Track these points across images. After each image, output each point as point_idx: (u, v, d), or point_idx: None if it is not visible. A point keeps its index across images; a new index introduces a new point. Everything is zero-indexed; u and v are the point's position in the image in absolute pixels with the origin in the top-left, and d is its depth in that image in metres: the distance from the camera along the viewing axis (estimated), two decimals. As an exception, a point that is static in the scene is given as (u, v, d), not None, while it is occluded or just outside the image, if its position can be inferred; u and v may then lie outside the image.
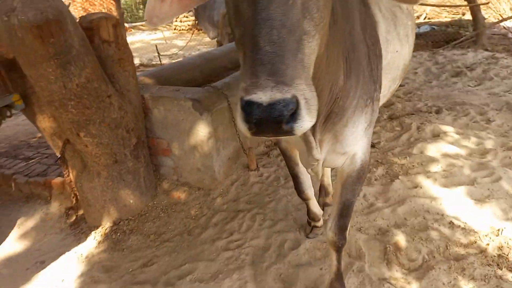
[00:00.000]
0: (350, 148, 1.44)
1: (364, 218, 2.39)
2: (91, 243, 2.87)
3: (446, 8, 8.91)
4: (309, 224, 2.36)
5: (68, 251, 2.83)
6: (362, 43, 1.35)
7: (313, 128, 1.28)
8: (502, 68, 5.16)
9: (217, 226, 2.70)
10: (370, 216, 2.39)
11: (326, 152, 1.43)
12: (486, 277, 1.84)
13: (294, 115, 0.76)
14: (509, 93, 4.19)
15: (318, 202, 2.61)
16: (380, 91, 1.48)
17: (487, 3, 6.90)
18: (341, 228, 1.67)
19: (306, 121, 0.78)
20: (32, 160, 4.08)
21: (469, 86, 4.67)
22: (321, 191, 2.64)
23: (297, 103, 0.76)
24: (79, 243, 2.91)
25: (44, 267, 2.71)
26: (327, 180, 2.63)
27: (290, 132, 0.77)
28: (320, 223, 2.30)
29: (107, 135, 2.61)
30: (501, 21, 6.78)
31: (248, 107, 0.75)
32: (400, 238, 2.14)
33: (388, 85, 1.76)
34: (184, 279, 2.24)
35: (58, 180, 3.42)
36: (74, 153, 2.89)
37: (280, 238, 2.36)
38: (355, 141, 1.42)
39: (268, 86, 0.74)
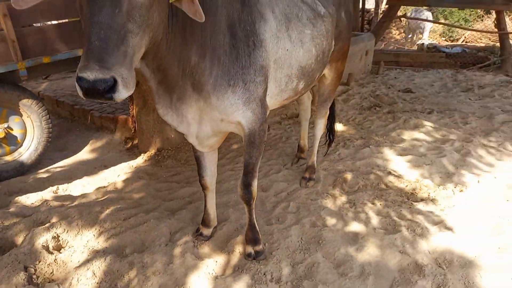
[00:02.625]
0: (226, 117, 1.79)
1: (331, 164, 3.31)
2: (140, 160, 4.02)
3: (486, 35, 9.34)
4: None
5: (123, 162, 4.00)
6: (224, 34, 1.67)
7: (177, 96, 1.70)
8: (510, 90, 5.72)
9: (234, 160, 3.72)
10: (336, 164, 3.31)
11: (203, 117, 1.81)
12: (395, 201, 2.71)
13: (113, 88, 1.14)
14: (498, 108, 4.84)
15: (295, 155, 3.45)
16: (259, 76, 1.79)
17: (515, 33, 7.37)
18: (245, 184, 2.00)
19: (123, 93, 1.16)
20: (105, 104, 5.35)
21: (469, 99, 5.33)
22: (298, 148, 3.45)
23: (114, 81, 1.13)
24: (131, 159, 4.07)
25: (107, 168, 3.88)
26: (303, 141, 3.41)
27: (111, 99, 1.15)
28: (208, 231, 2.36)
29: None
30: (527, 51, 7.21)
31: (80, 80, 1.13)
32: (349, 175, 3.04)
33: (284, 80, 2.06)
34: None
35: (123, 116, 4.63)
36: (139, 94, 4.04)
37: (269, 167, 3.35)
38: (231, 112, 1.77)
39: (94, 69, 1.10)
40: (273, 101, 2.14)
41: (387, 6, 8.02)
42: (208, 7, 1.53)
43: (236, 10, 1.71)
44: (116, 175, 3.68)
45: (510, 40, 7.46)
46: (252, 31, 1.78)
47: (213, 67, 1.65)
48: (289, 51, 1.99)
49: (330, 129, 3.23)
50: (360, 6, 8.16)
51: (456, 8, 10.90)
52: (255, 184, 2.05)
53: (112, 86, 1.13)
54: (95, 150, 4.41)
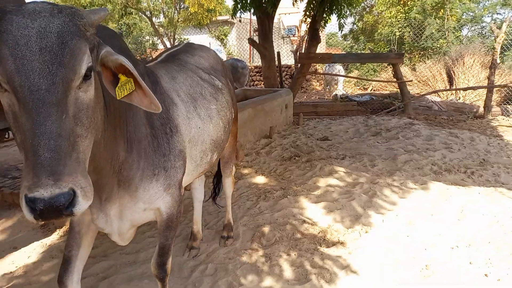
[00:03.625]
0: (149, 205, 1.75)
1: (251, 219, 3.39)
2: (55, 237, 3.77)
3: (392, 83, 10.56)
4: None
5: (36, 241, 3.72)
6: (145, 125, 1.67)
7: (104, 198, 1.58)
8: (412, 131, 6.42)
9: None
10: (255, 218, 3.39)
11: (125, 212, 1.70)
12: (308, 249, 2.83)
13: (72, 202, 0.99)
14: (401, 148, 5.38)
15: (187, 245, 2.96)
16: (178, 160, 1.82)
17: (411, 80, 8.44)
18: (160, 264, 1.98)
19: (83, 204, 1.02)
20: (18, 179, 5.03)
21: (377, 142, 5.87)
22: (191, 236, 3.04)
23: (74, 193, 0.99)
24: (46, 237, 3.80)
25: (16, 250, 3.58)
26: (196, 227, 3.03)
27: (71, 215, 1.00)
28: None
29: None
30: (422, 95, 8.26)
31: (32, 202, 0.95)
32: (267, 229, 3.13)
33: (200, 156, 2.12)
34: (116, 252, 3.15)
35: (36, 191, 4.36)
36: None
37: (190, 229, 3.33)
38: (154, 200, 1.74)
39: (48, 185, 0.95)
40: (189, 177, 2.17)
41: (299, 64, 8.79)
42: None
43: None
44: (26, 256, 3.40)
45: (408, 86, 8.49)
46: (168, 118, 1.83)
47: (140, 159, 1.64)
48: (201, 128, 2.08)
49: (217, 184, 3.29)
50: (277, 64, 8.84)
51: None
52: (169, 262, 2.03)
53: (71, 200, 1.00)
54: (5, 231, 4.06)
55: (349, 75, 12.77)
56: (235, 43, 20.20)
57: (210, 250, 2.93)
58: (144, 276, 2.65)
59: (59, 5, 1.14)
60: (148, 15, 19.45)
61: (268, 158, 5.31)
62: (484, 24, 18.65)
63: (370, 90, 11.91)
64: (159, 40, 20.74)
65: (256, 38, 8.86)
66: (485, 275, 2.51)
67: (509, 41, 10.13)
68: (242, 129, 5.72)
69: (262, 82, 12.19)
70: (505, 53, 11.69)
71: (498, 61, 8.28)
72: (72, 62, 1.06)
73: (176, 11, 19.67)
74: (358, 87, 13.35)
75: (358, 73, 15.00)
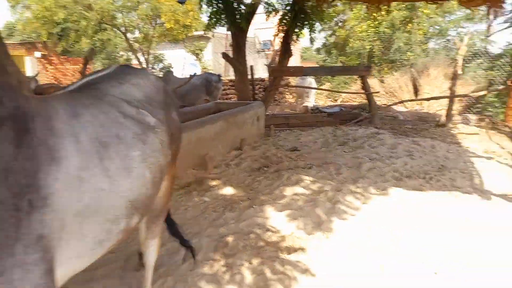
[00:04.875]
0: None
1: (215, 230, 3.41)
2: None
3: (361, 95, 10.92)
4: None
5: None
6: None
7: None
8: (377, 140, 6.65)
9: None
10: (219, 228, 3.43)
11: None
12: (270, 256, 2.89)
13: None
14: (366, 157, 5.56)
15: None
16: (32, 253, 1.18)
17: (377, 92, 8.77)
18: None
19: None
20: None
21: (344, 152, 6.05)
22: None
23: None
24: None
25: None
26: None
27: None
28: None
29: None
30: (388, 106, 8.58)
31: None
32: (231, 239, 3.17)
33: (104, 228, 1.49)
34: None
35: None
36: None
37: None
38: None
39: None
40: (87, 259, 1.51)
41: (271, 77, 8.98)
42: None
43: (4, 158, 1.16)
44: None
45: (376, 97, 8.79)
46: (30, 185, 1.20)
47: None
48: (105, 191, 1.46)
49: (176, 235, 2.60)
50: (250, 77, 9.00)
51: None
52: None
53: None
54: None
55: (321, 87, 13.09)
56: (211, 57, 20.38)
57: (171, 263, 2.94)
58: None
59: None
60: (123, 31, 19.39)
61: (237, 170, 5.36)
62: (449, 37, 19.51)
63: (340, 102, 12.27)
64: (133, 56, 20.68)
65: (230, 53, 9.00)
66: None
67: (471, 54, 10.67)
68: (213, 141, 5.77)
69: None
70: (467, 65, 12.25)
71: (460, 72, 8.70)
72: None
73: (151, 27, 19.70)
74: (330, 99, 13.69)
75: (330, 85, 15.39)
